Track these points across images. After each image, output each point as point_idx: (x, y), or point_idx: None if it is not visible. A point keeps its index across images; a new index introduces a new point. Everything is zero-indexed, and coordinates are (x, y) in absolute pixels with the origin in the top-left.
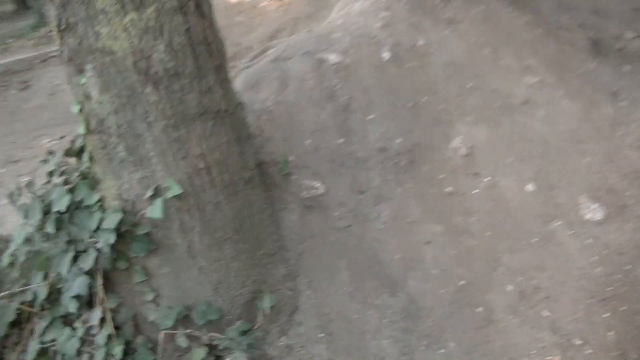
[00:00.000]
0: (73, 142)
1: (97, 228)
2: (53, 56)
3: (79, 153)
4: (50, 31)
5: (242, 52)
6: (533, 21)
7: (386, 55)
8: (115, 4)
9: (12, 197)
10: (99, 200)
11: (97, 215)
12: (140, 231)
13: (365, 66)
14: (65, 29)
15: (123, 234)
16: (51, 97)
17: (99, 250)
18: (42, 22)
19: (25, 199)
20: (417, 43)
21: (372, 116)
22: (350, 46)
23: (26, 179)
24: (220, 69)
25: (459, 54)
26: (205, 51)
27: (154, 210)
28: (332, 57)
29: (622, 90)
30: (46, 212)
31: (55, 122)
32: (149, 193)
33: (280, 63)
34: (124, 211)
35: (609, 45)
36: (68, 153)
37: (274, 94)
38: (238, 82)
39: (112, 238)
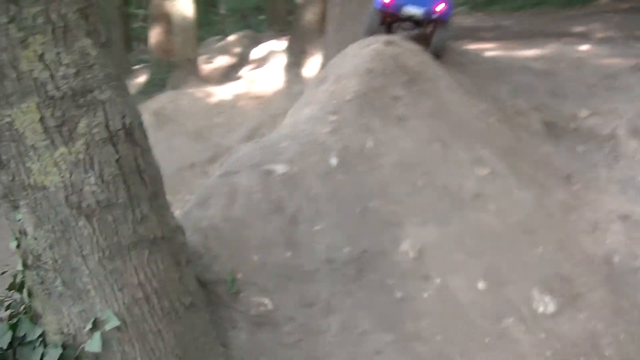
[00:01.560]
0: (15, 276)
1: None
2: None
3: (21, 288)
4: None
5: (222, 153)
6: (489, 109)
7: (334, 161)
8: (45, 139)
9: None
10: (41, 335)
11: (39, 351)
12: None
13: (313, 175)
14: None
15: None
16: None
17: None
18: None
19: None
20: (365, 145)
21: (319, 227)
22: (297, 155)
23: None
24: (156, 196)
25: (408, 152)
26: (139, 180)
27: (93, 345)
28: (279, 168)
29: (575, 173)
30: None
31: None
32: (88, 326)
33: (228, 177)
34: (65, 346)
35: (564, 126)
36: (11, 287)
37: (222, 209)
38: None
39: None
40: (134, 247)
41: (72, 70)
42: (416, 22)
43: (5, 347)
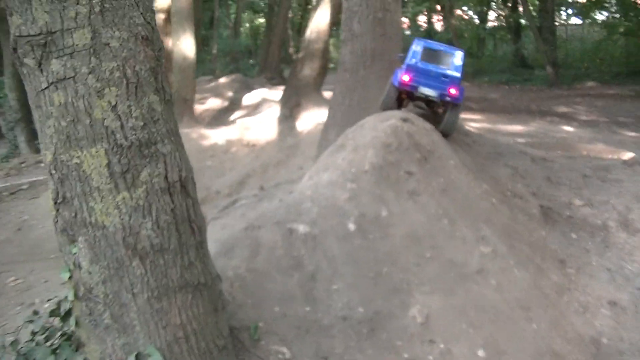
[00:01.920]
0: (59, 304)
1: None
2: (22, 189)
3: (64, 316)
4: (22, 163)
5: (211, 196)
6: (490, 190)
7: (351, 226)
8: (109, 183)
9: None
10: None
11: None
12: None
13: (332, 237)
14: (61, 202)
15: None
16: (18, 232)
17: None
18: (14, 152)
19: (9, 356)
20: (380, 214)
21: (336, 286)
22: (318, 217)
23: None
24: (201, 245)
25: (418, 225)
26: (189, 229)
27: None
28: (301, 228)
29: (569, 258)
30: None
31: (20, 258)
32: (131, 359)
33: (252, 231)
34: None
35: (559, 212)
36: (53, 314)
37: (246, 261)
38: (211, 246)
39: None
40: (180, 290)
41: (140, 123)
42: (428, 101)
43: None
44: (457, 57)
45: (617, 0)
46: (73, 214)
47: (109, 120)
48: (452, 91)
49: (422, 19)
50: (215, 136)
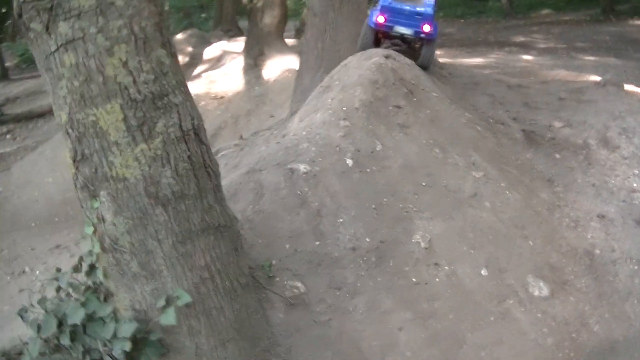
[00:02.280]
0: (81, 259)
1: (112, 337)
2: None
3: (89, 270)
4: None
5: None
6: (473, 118)
7: (349, 162)
8: (126, 137)
9: (23, 313)
10: (112, 312)
11: (112, 326)
12: (153, 337)
13: (332, 174)
14: (80, 160)
15: (136, 341)
16: None
17: (114, 357)
18: None
19: (34, 314)
20: (375, 148)
21: (341, 219)
22: (316, 156)
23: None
24: (218, 189)
25: (412, 156)
26: (205, 174)
27: (167, 318)
28: (302, 167)
29: (555, 177)
30: (59, 325)
31: (1, 229)
32: (161, 303)
33: (254, 175)
34: (137, 320)
35: (541, 135)
36: (76, 270)
37: (252, 204)
38: None
39: (127, 346)
40: (202, 233)
41: (151, 77)
42: (404, 39)
43: (79, 322)
44: None
45: None
46: (93, 170)
47: (121, 76)
48: (426, 28)
49: None
50: None
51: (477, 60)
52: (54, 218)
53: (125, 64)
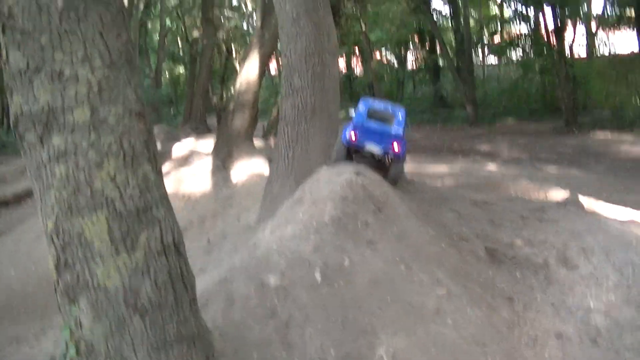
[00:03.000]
0: None
1: None
2: None
3: None
4: None
5: None
6: (438, 235)
7: (318, 276)
8: (110, 247)
9: None
10: None
11: None
12: None
13: (301, 287)
14: (63, 267)
15: None
16: None
17: None
18: None
19: None
20: (343, 263)
21: (308, 331)
22: (286, 268)
23: None
24: (194, 301)
25: (378, 272)
26: (182, 286)
27: None
28: (272, 280)
29: (516, 295)
30: None
31: None
32: None
33: (225, 285)
34: None
35: (503, 253)
36: None
37: (222, 312)
38: None
39: None
40: (177, 343)
41: (137, 191)
42: (374, 156)
43: None
44: (399, 116)
45: (530, 39)
46: (75, 277)
47: (108, 189)
48: (396, 148)
49: (341, 64)
50: None
51: (442, 168)
52: (13, 310)
53: (113, 178)
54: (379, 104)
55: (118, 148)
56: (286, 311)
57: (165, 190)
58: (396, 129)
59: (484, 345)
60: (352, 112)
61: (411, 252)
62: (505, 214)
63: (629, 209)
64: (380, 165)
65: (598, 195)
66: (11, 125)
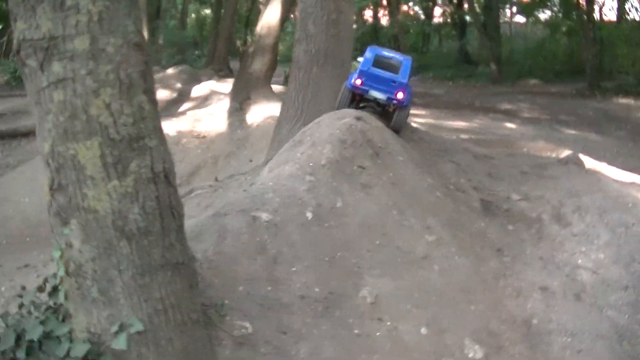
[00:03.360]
0: (45, 281)
1: (65, 356)
2: None
3: (52, 291)
4: None
5: None
6: (435, 184)
7: (309, 215)
8: (102, 172)
9: None
10: (69, 332)
11: (66, 345)
12: None
13: (292, 224)
14: (56, 189)
15: None
16: None
17: None
18: None
19: None
20: (336, 204)
21: (295, 268)
22: (279, 206)
23: None
24: (180, 229)
25: (370, 215)
26: (170, 214)
27: (119, 343)
28: (264, 216)
29: (505, 247)
30: (17, 339)
31: None
32: (115, 328)
33: (219, 218)
34: (91, 342)
35: (498, 206)
36: (40, 290)
37: (214, 245)
38: None
39: None
40: (161, 268)
41: (130, 120)
42: (378, 103)
43: (36, 338)
44: (405, 64)
45: (560, 0)
46: (67, 199)
47: (103, 117)
48: (399, 95)
49: (368, 14)
50: (166, 127)
51: (461, 124)
52: (26, 238)
53: (108, 106)
54: (386, 53)
55: (115, 77)
56: (275, 247)
57: (160, 121)
58: (401, 77)
59: (468, 293)
60: (360, 59)
61: (405, 199)
62: (505, 169)
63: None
64: (384, 112)
65: (613, 161)
66: (14, 50)
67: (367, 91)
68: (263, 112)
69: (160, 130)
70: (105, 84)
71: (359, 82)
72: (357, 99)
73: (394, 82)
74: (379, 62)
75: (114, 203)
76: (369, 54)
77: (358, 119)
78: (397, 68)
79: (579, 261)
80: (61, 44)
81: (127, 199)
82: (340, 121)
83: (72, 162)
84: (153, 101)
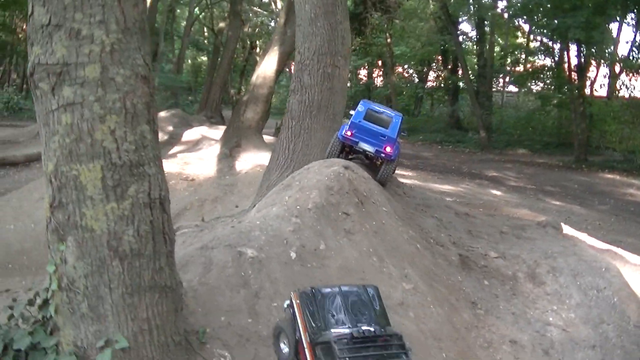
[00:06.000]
0: (37, 294)
1: None
2: None
3: (42, 304)
4: None
5: None
6: (416, 236)
7: (293, 254)
8: (101, 194)
9: None
10: (55, 344)
11: (52, 357)
12: None
13: (276, 262)
14: (56, 206)
15: None
16: None
17: None
18: None
19: None
20: (319, 247)
21: (276, 303)
22: (265, 244)
23: None
24: (170, 254)
25: (351, 260)
26: (162, 239)
27: (104, 358)
28: (250, 252)
29: (479, 300)
30: (4, 349)
31: None
32: (101, 343)
33: (205, 251)
34: (76, 355)
35: (475, 261)
36: (30, 303)
37: (199, 276)
38: None
39: None
40: (150, 290)
41: (132, 147)
42: (367, 155)
43: (23, 348)
44: (396, 120)
45: (552, 73)
46: (66, 217)
47: (107, 142)
48: (387, 149)
49: (362, 73)
50: None
51: (447, 187)
52: (8, 264)
53: (112, 132)
54: (378, 107)
55: (121, 106)
56: (258, 282)
57: (159, 151)
58: (391, 132)
59: (440, 340)
60: (352, 112)
61: (386, 247)
62: (485, 228)
63: (618, 249)
64: (371, 164)
65: (595, 233)
66: (27, 73)
67: (356, 143)
68: (252, 159)
69: (159, 159)
70: (112, 112)
71: (349, 133)
72: (347, 150)
73: (383, 136)
74: (370, 116)
75: (110, 224)
76: (361, 107)
77: (346, 167)
78: (388, 123)
79: (550, 319)
80: (73, 70)
81: (123, 221)
82: (328, 169)
83: (74, 182)
84: (154, 131)
